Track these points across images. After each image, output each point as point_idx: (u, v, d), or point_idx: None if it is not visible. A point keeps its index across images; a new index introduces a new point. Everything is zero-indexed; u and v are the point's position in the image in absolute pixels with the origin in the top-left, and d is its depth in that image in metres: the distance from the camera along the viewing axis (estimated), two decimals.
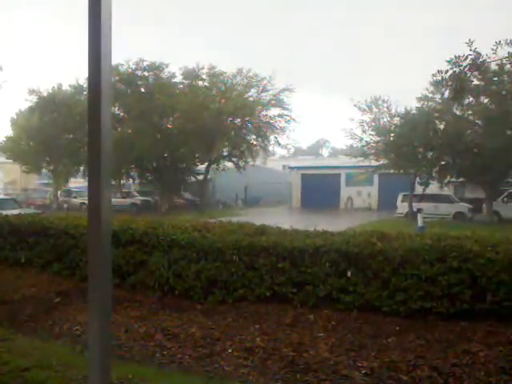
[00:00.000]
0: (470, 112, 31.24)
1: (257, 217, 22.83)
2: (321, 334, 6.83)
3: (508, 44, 5.46)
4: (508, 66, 8.06)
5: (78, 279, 9.83)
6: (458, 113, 31.19)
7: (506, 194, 32.64)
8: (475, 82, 29.92)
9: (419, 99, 32.66)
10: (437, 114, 31.25)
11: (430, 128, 30.51)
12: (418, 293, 7.53)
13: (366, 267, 7.77)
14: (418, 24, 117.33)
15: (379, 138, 34.51)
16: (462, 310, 7.52)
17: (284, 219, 25.80)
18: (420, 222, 22.19)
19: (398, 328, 7.09)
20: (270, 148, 44.04)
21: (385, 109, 34.64)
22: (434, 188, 34.67)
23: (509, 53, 5.29)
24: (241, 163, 40.43)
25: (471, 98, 30.88)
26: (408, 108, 32.97)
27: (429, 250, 7.68)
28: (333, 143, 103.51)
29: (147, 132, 34.58)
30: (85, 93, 36.55)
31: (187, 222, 10.39)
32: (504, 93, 24.21)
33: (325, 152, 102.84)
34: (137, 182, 43.79)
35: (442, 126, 31.48)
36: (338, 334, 6.86)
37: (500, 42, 5.71)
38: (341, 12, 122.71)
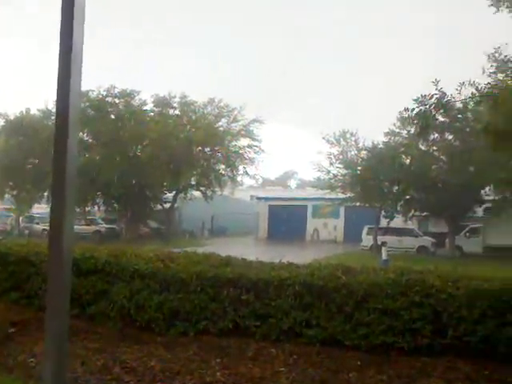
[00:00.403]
0: (435, 148, 32.08)
1: (223, 247, 22.67)
2: (282, 369, 6.75)
3: (471, 85, 5.68)
4: (472, 104, 8.41)
5: (37, 308, 9.52)
6: (423, 148, 31.98)
7: (467, 228, 33.41)
8: (441, 118, 30.96)
9: (386, 134, 33.42)
10: (403, 149, 31.97)
11: (396, 162, 31.16)
12: (380, 327, 7.54)
13: (330, 301, 7.76)
14: (387, 61, 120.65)
15: (346, 171, 34.99)
16: (423, 345, 7.56)
17: (250, 250, 25.73)
18: (384, 256, 22.40)
19: (359, 363, 7.07)
20: (239, 178, 44.18)
21: (353, 142, 35.25)
22: (398, 221, 35.21)
23: (472, 93, 5.49)
24: (209, 193, 40.38)
25: (436, 135, 31.80)
26: (375, 142, 33.68)
27: (392, 284, 7.73)
28: (301, 175, 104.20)
29: (115, 159, 34.34)
30: (53, 117, 36.13)
31: (151, 251, 10.24)
32: (468, 130, 24.94)
33: (293, 183, 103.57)
34: (102, 209, 43.20)
35: (407, 161, 32.18)
36: (299, 368, 6.79)
37: (464, 82, 5.95)
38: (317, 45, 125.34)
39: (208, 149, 39.30)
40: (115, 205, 39.84)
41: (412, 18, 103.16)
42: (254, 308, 7.94)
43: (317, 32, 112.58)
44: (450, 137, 30.50)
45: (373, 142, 33.77)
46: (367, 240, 34.35)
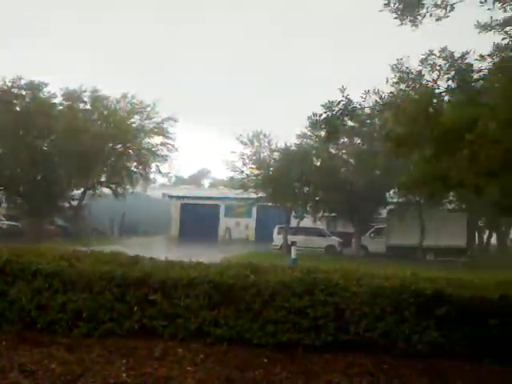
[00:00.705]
0: (344, 151, 33.20)
1: (132, 246, 22.26)
2: (189, 368, 6.73)
3: (375, 93, 5.97)
4: (376, 111, 8.86)
5: None
6: (333, 151, 32.98)
7: (372, 229, 34.90)
8: (350, 123, 32.03)
9: (298, 136, 34.15)
10: (314, 152, 32.77)
11: (307, 164, 31.90)
12: (286, 325, 7.72)
13: (238, 299, 7.82)
14: (303, 64, 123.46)
15: (259, 172, 35.38)
16: (327, 342, 7.81)
17: (160, 249, 25.44)
18: (294, 255, 22.88)
19: (266, 360, 7.19)
20: (151, 176, 43.44)
21: (266, 143, 35.70)
22: (308, 222, 36.12)
23: (376, 101, 5.79)
24: (120, 190, 39.38)
25: (346, 139, 32.92)
26: (288, 144, 34.29)
27: (298, 282, 7.93)
28: (214, 174, 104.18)
29: (20, 153, 32.61)
30: None
31: (56, 250, 9.85)
32: (375, 135, 26.01)
33: (206, 182, 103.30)
34: (4, 205, 40.89)
35: (318, 163, 33.05)
36: (206, 367, 6.80)
37: (368, 90, 6.24)
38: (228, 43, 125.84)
39: (120, 145, 38.31)
40: (19, 201, 37.83)
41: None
42: (162, 308, 7.84)
43: (234, 30, 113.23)
44: (359, 141, 31.71)
45: (285, 144, 34.41)
46: (278, 239, 34.96)
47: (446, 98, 5.67)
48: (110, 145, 37.69)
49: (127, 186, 39.65)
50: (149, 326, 7.83)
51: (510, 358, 7.81)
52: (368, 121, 26.91)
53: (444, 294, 8.18)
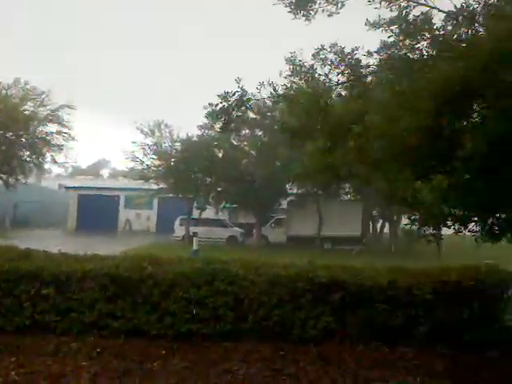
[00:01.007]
0: (245, 143, 33.53)
1: (25, 239, 21.16)
2: (84, 363, 6.55)
3: (270, 85, 6.07)
4: (270, 103, 9.04)
5: None
6: (234, 142, 33.21)
7: (273, 220, 35.62)
8: (252, 115, 32.56)
9: (200, 127, 33.99)
10: (216, 143, 32.80)
11: (209, 155, 31.88)
12: (185, 315, 7.72)
13: (135, 291, 7.71)
14: (202, 56, 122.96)
15: (160, 162, 34.85)
16: (226, 331, 7.91)
17: (55, 242, 24.35)
18: (195, 246, 22.84)
19: (164, 352, 7.16)
20: (46, 166, 41.34)
21: (167, 133, 35.20)
22: (210, 213, 36.18)
23: (271, 93, 5.89)
24: (11, 180, 37.19)
25: (247, 130, 33.28)
26: (190, 134, 34.04)
27: (198, 273, 7.94)
28: (114, 164, 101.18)
29: None
30: None
31: None
32: (276, 127, 26.44)
33: (105, 173, 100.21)
34: None
35: (220, 154, 33.14)
36: (102, 361, 6.66)
37: (263, 82, 6.34)
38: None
39: (11, 133, 36.13)
40: None
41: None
42: (55, 302, 7.57)
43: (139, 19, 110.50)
44: (260, 133, 32.15)
45: (187, 134, 34.13)
46: (180, 230, 34.70)
47: (337, 92, 5.90)
48: (1, 132, 35.46)
49: (19, 177, 37.52)
50: (41, 321, 7.53)
51: (397, 340, 8.36)
52: (269, 113, 27.56)
53: (338, 280, 8.53)
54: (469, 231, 8.23)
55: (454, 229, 8.39)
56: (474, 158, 4.61)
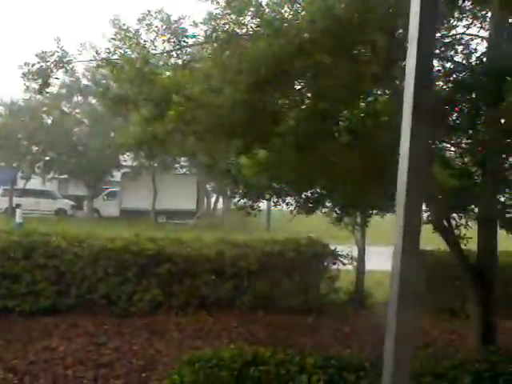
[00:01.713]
0: (78, 111, 31.84)
1: None
2: None
3: (92, 48, 5.79)
4: (94, 67, 8.70)
5: None
6: (66, 110, 31.38)
7: (105, 192, 34.56)
8: (85, 82, 30.85)
9: (27, 90, 31.46)
10: (45, 109, 30.65)
11: (37, 122, 29.76)
12: (1, 291, 7.27)
13: None
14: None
15: None
16: (47, 306, 7.58)
17: None
18: (18, 218, 21.32)
19: None
20: None
21: None
22: (38, 183, 33.93)
23: (93, 56, 5.62)
24: None
25: (80, 97, 31.55)
26: (15, 99, 31.34)
27: (15, 247, 7.48)
28: None
29: None
30: None
31: None
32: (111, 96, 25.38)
33: None
34: None
35: (49, 121, 31.09)
36: None
37: (85, 43, 6.04)
38: None
39: None
40: None
41: None
42: None
43: None
44: (94, 101, 30.70)
45: (11, 99, 31.41)
46: (2, 202, 32.12)
47: (163, 61, 5.82)
48: None
49: None
50: None
51: (222, 309, 8.72)
52: (104, 81, 26.25)
53: (166, 253, 8.60)
54: (286, 204, 8.79)
55: (273, 202, 8.90)
56: (291, 134, 4.86)
